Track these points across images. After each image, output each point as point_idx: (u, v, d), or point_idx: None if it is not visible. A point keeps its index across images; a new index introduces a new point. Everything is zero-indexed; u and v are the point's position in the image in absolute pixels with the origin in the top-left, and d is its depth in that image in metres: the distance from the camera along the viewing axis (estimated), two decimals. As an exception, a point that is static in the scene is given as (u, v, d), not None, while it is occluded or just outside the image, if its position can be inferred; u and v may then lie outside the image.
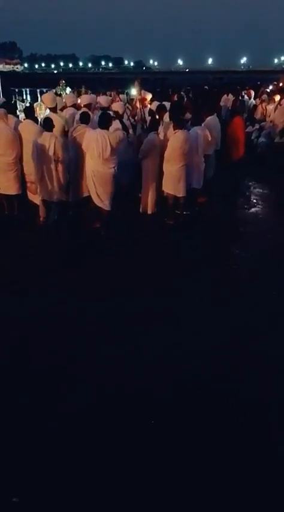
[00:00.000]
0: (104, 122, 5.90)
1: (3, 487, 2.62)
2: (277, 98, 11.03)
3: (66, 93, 12.91)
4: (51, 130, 6.21)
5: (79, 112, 7.01)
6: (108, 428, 3.01)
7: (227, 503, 2.54)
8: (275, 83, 15.34)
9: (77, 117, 6.96)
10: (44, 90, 20.11)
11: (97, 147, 5.72)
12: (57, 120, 6.77)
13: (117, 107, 7.40)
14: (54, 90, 14.02)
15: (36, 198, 6.62)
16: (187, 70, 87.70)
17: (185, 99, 10.99)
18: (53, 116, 6.86)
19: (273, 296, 4.72)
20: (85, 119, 6.50)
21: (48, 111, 7.91)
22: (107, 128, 5.90)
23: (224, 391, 3.34)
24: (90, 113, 6.87)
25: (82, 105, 7.67)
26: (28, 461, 2.78)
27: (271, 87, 14.70)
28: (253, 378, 3.48)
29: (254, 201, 8.00)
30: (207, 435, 2.96)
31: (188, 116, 7.54)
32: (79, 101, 8.34)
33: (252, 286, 4.94)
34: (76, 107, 7.91)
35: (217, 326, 4.18)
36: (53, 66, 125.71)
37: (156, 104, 7.96)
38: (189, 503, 2.54)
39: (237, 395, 3.31)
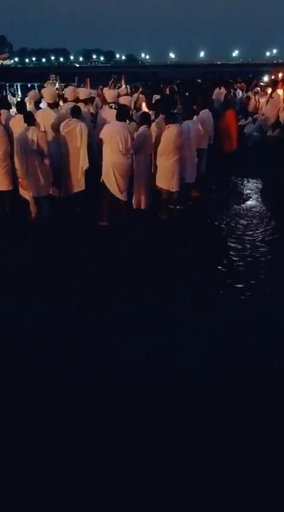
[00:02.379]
0: (123, 115, 6.03)
1: (3, 488, 2.60)
2: (269, 90, 10.99)
3: (56, 87, 12.75)
4: (33, 125, 6.09)
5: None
6: (108, 430, 2.99)
7: (228, 503, 2.52)
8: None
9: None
10: (35, 85, 19.91)
11: (120, 139, 5.80)
12: (52, 116, 6.63)
13: (124, 100, 7.36)
14: (46, 84, 13.86)
15: (27, 194, 6.53)
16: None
17: (175, 92, 10.91)
18: (50, 112, 6.73)
19: (271, 294, 4.66)
20: (76, 113, 6.40)
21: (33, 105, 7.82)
22: (125, 121, 5.98)
23: (224, 391, 3.31)
24: (81, 107, 6.75)
25: (79, 99, 7.50)
26: (28, 462, 2.76)
27: (266, 79, 14.60)
28: (253, 378, 3.45)
29: (248, 194, 7.96)
30: (207, 436, 2.94)
31: (180, 109, 7.48)
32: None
33: (250, 284, 4.88)
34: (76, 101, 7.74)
35: (216, 326, 4.14)
36: (43, 60, 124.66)
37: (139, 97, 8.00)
38: (189, 503, 2.52)
39: (237, 396, 3.28)
